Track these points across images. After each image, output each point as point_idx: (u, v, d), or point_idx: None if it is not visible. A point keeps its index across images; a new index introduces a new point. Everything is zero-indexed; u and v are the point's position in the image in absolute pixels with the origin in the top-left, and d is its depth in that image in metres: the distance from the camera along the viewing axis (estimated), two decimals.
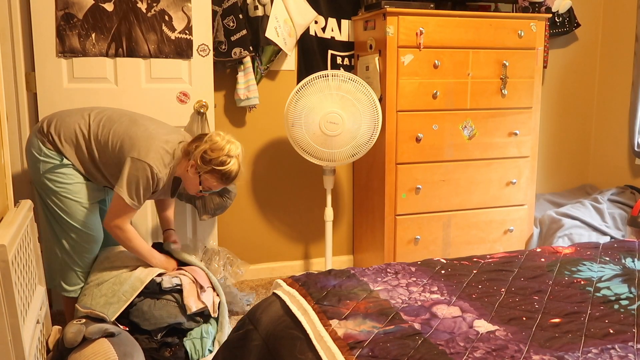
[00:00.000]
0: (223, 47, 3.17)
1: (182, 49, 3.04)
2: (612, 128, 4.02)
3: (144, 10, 2.97)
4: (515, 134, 3.34)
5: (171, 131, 2.50)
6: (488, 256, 2.21)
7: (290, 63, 3.44)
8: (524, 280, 1.93)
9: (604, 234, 3.44)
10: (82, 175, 2.46)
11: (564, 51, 4.01)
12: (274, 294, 1.91)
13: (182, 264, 2.63)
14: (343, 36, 3.49)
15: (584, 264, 2.08)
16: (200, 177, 2.39)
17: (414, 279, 1.94)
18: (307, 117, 2.96)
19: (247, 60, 3.22)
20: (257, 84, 3.32)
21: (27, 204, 2.11)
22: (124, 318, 2.34)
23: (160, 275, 2.45)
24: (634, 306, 1.72)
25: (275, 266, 3.60)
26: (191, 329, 2.40)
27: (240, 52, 3.17)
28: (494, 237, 3.42)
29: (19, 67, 2.82)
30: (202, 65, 3.09)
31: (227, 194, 2.97)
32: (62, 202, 2.42)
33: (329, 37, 3.47)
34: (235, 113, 3.40)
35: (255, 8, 3.22)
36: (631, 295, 1.80)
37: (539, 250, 2.28)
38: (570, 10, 3.83)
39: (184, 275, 2.48)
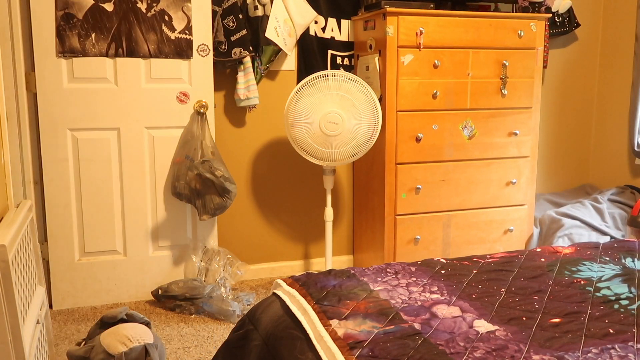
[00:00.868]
0: (223, 47, 3.17)
1: (182, 49, 3.04)
2: (612, 128, 4.02)
3: (144, 10, 2.97)
4: (515, 134, 3.34)
5: None
6: (488, 256, 2.21)
7: (290, 63, 3.44)
8: (524, 280, 1.93)
9: (604, 234, 3.44)
10: None
11: (564, 51, 4.01)
12: (274, 294, 1.91)
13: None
14: (343, 36, 3.49)
15: (584, 264, 2.08)
16: None
17: (414, 279, 1.94)
18: (307, 117, 2.96)
19: (247, 60, 3.22)
20: (257, 84, 3.32)
21: (27, 204, 2.11)
22: None
23: None
24: (634, 306, 1.72)
25: (275, 266, 3.60)
26: None
27: (240, 52, 3.17)
28: (494, 237, 3.42)
29: (19, 67, 2.83)
30: (202, 65, 3.09)
31: (227, 194, 2.98)
32: None
33: (329, 37, 3.47)
34: (235, 113, 3.40)
35: (255, 8, 3.22)
36: (631, 295, 1.80)
37: (539, 250, 2.28)
38: (570, 10, 3.83)
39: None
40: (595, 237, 3.39)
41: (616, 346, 1.46)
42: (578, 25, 3.87)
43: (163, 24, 3.01)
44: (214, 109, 3.21)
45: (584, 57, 4.06)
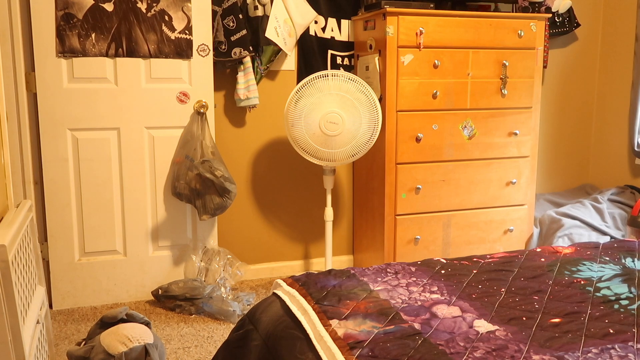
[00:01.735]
0: (223, 47, 3.17)
1: (182, 49, 3.04)
2: (612, 128, 4.02)
3: (144, 10, 2.97)
4: (515, 134, 3.34)
5: None
6: (488, 256, 2.21)
7: (290, 63, 3.44)
8: (524, 280, 1.93)
9: (604, 233, 3.44)
10: None
11: (564, 51, 4.01)
12: (274, 294, 1.91)
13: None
14: (343, 36, 3.49)
15: (584, 264, 2.08)
16: None
17: (414, 278, 1.93)
18: (307, 117, 2.96)
19: (247, 60, 3.22)
20: (257, 84, 3.32)
21: (27, 204, 2.11)
22: None
23: None
24: (634, 306, 1.72)
25: (275, 266, 3.60)
26: None
27: (240, 52, 3.17)
28: (494, 237, 3.42)
29: (19, 67, 2.83)
30: (202, 65, 3.09)
31: (227, 194, 2.98)
32: None
33: (329, 37, 3.47)
34: (235, 113, 3.40)
35: (255, 8, 3.22)
36: (631, 295, 1.80)
37: (539, 250, 2.28)
38: (570, 10, 3.83)
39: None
40: (595, 237, 3.39)
41: (616, 346, 1.47)
42: (578, 25, 3.87)
43: (163, 24, 3.01)
44: (214, 109, 3.21)
45: (584, 57, 4.06)
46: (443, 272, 2.01)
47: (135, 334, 2.15)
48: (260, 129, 3.46)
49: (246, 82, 3.24)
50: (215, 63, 3.16)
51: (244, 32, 3.16)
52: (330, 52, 3.49)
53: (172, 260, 3.22)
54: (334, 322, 1.59)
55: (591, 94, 4.13)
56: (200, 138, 3.06)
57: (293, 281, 1.92)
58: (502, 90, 3.28)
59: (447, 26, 3.12)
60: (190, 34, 3.04)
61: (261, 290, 3.35)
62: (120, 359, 2.06)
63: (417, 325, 1.57)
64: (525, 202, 3.46)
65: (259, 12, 3.22)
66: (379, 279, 1.92)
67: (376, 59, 3.15)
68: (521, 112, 3.35)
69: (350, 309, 1.67)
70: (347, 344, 1.47)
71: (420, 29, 3.07)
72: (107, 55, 2.96)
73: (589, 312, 1.68)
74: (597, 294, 1.81)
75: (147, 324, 2.31)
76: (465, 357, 1.40)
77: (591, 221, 3.45)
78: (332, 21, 3.46)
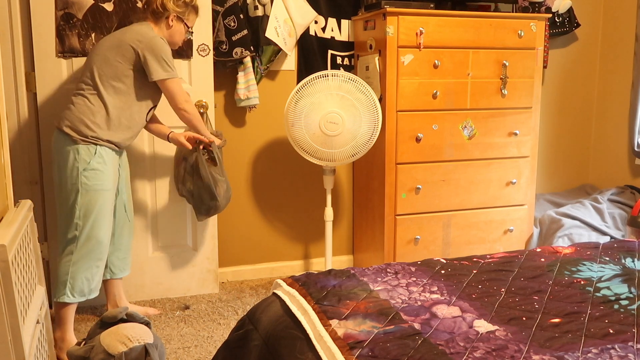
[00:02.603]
0: (224, 47, 3.17)
1: (182, 49, 3.04)
2: (612, 128, 4.02)
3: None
4: (515, 134, 3.34)
5: None
6: (488, 256, 2.21)
7: (290, 63, 3.44)
8: (524, 280, 1.93)
9: (604, 234, 3.44)
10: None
11: (564, 51, 4.01)
12: (274, 294, 1.91)
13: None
14: (343, 36, 3.49)
15: (584, 264, 2.08)
16: (183, 21, 2.68)
17: (414, 279, 1.94)
18: (307, 117, 2.96)
19: (247, 60, 3.22)
20: (257, 84, 3.32)
21: (27, 204, 2.11)
22: None
23: None
24: (634, 306, 1.72)
25: (275, 266, 3.60)
26: None
27: (242, 52, 3.17)
28: (494, 237, 3.42)
29: (19, 67, 2.82)
30: (202, 65, 3.09)
31: (216, 196, 2.87)
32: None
33: (329, 37, 3.47)
34: (235, 113, 3.40)
35: (255, 8, 3.22)
36: (631, 295, 1.80)
37: (539, 250, 2.28)
38: (570, 10, 3.83)
39: None
40: (595, 237, 3.39)
41: (616, 346, 1.47)
42: (578, 25, 3.87)
43: None
44: (214, 108, 3.21)
45: (584, 57, 4.06)
46: (443, 272, 2.01)
47: (135, 334, 2.15)
48: (260, 129, 3.46)
49: (246, 82, 3.24)
50: (215, 63, 3.16)
51: (245, 32, 3.16)
52: (330, 52, 3.49)
53: (172, 260, 3.22)
54: (334, 322, 1.59)
55: (591, 94, 4.13)
56: None
57: (293, 281, 1.92)
58: (502, 91, 3.28)
59: (447, 26, 3.12)
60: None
61: (261, 290, 3.35)
62: (120, 359, 2.06)
63: (417, 325, 1.57)
64: (525, 202, 3.46)
65: (259, 12, 3.22)
66: (379, 279, 1.92)
67: (376, 59, 3.15)
68: (521, 112, 3.35)
69: (350, 309, 1.67)
70: (347, 344, 1.47)
71: (420, 29, 3.07)
72: None
73: (589, 312, 1.68)
74: (597, 294, 1.81)
75: (147, 324, 2.31)
76: (465, 357, 1.40)
77: (591, 221, 3.45)
78: (332, 21, 3.46)
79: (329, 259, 3.28)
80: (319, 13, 3.41)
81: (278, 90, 3.44)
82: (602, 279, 1.93)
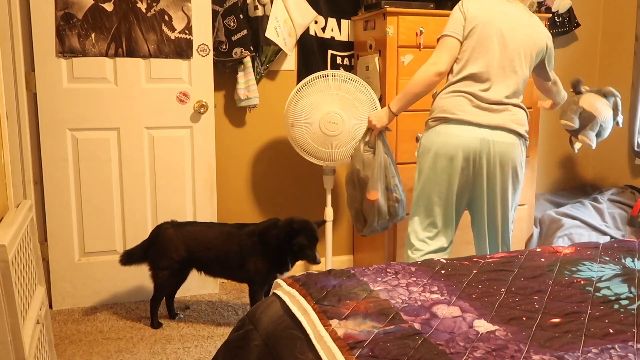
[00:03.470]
0: (224, 47, 3.17)
1: (182, 49, 3.04)
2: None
3: (144, 10, 2.97)
4: None
5: None
6: (488, 256, 2.21)
7: (290, 63, 3.44)
8: (524, 280, 1.93)
9: (604, 233, 3.44)
10: None
11: (564, 51, 4.00)
12: (274, 294, 1.91)
13: None
14: (343, 36, 3.49)
15: (584, 264, 2.08)
16: None
17: (414, 278, 1.93)
18: (307, 117, 2.96)
19: (247, 60, 3.22)
20: (257, 84, 3.32)
21: (27, 204, 2.11)
22: None
23: None
24: (634, 306, 1.72)
25: None
26: None
27: (241, 52, 3.17)
28: None
29: (19, 67, 2.82)
30: (202, 65, 3.09)
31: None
32: None
33: (329, 37, 3.47)
34: (235, 113, 3.40)
35: (255, 8, 3.22)
36: (631, 295, 1.80)
37: (539, 250, 2.28)
38: (570, 10, 3.83)
39: None
40: (595, 237, 3.39)
41: (616, 346, 1.46)
42: (578, 25, 3.87)
43: (163, 24, 3.01)
44: (214, 109, 3.21)
45: (584, 57, 4.06)
46: (443, 272, 2.01)
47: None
48: (260, 129, 3.45)
49: (246, 82, 3.24)
50: (215, 63, 3.16)
51: (245, 32, 3.16)
52: (330, 52, 3.49)
53: None
54: (334, 322, 1.59)
55: None
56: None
57: (293, 281, 1.92)
58: None
59: None
60: (190, 33, 3.04)
61: None
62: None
63: (417, 325, 1.57)
64: (525, 202, 3.45)
65: (259, 12, 3.22)
66: (379, 279, 1.92)
67: (376, 59, 3.15)
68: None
69: (350, 309, 1.67)
70: (347, 344, 1.47)
71: (420, 29, 3.07)
72: (107, 55, 2.96)
73: (589, 312, 1.68)
74: (597, 294, 1.81)
75: None
76: (465, 357, 1.40)
77: (591, 221, 3.45)
78: (332, 21, 3.46)
79: (329, 259, 3.28)
80: (319, 13, 3.41)
81: (278, 90, 3.44)
82: (602, 279, 1.93)
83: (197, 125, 3.13)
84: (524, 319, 1.64)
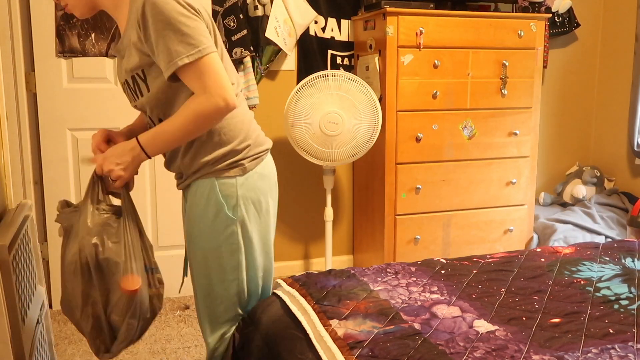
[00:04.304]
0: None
1: None
2: (612, 128, 4.02)
3: None
4: (515, 134, 3.34)
5: None
6: (488, 256, 2.21)
7: (290, 63, 3.44)
8: (524, 280, 1.93)
9: (598, 234, 3.45)
10: None
11: (564, 51, 4.01)
12: (274, 294, 1.91)
13: None
14: (343, 36, 3.49)
15: (584, 264, 2.08)
16: None
17: (414, 279, 1.93)
18: (307, 117, 2.96)
19: (247, 60, 3.22)
20: (257, 84, 3.32)
21: (27, 204, 2.11)
22: None
23: None
24: (634, 306, 1.72)
25: (275, 266, 3.58)
26: None
27: (241, 52, 3.17)
28: (494, 237, 3.42)
29: (19, 67, 2.83)
30: None
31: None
32: None
33: (329, 37, 3.47)
34: None
35: (255, 8, 3.22)
36: (631, 295, 1.80)
37: (538, 250, 2.28)
38: (570, 10, 3.83)
39: None
40: (590, 238, 3.40)
41: (616, 346, 1.46)
42: (578, 25, 3.87)
43: None
44: None
45: (584, 57, 4.06)
46: (443, 272, 2.01)
47: None
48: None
49: (246, 82, 3.24)
50: None
51: (245, 32, 3.16)
52: (330, 52, 3.49)
53: (172, 260, 3.21)
54: (334, 322, 1.59)
55: (591, 94, 4.13)
56: None
57: (293, 281, 1.92)
58: (502, 90, 3.28)
59: (447, 26, 3.12)
60: None
61: None
62: None
63: (417, 325, 1.57)
64: (525, 202, 3.46)
65: (259, 12, 3.22)
66: (379, 279, 1.92)
67: (376, 59, 3.15)
68: (521, 112, 3.34)
69: (350, 309, 1.67)
70: (347, 344, 1.47)
71: (420, 29, 3.07)
72: (107, 55, 2.96)
73: (588, 312, 1.68)
74: (597, 294, 1.81)
75: None
76: (465, 357, 1.40)
77: (584, 224, 3.46)
78: (332, 21, 3.46)
79: (329, 259, 3.28)
80: (319, 13, 3.41)
81: (278, 90, 3.43)
82: (602, 279, 1.93)
83: None
84: (524, 319, 1.64)
